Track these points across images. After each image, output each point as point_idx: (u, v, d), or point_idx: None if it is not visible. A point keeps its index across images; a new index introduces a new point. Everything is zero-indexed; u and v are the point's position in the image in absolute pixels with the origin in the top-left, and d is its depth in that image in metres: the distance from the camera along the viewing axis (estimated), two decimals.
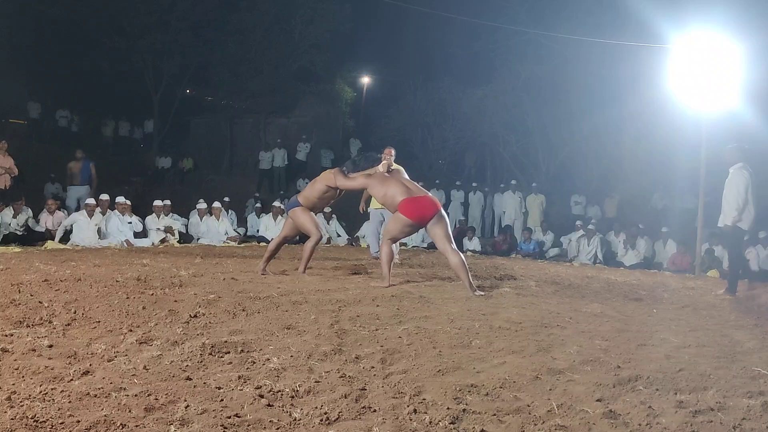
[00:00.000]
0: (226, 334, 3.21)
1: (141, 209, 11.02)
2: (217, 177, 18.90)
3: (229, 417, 2.06)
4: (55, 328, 3.18)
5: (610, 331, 3.82)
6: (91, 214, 9.35)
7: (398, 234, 5.49)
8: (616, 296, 5.79)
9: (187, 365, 2.64)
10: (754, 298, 6.39)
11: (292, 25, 19.51)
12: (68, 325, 3.29)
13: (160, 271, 5.64)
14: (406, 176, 5.81)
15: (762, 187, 6.76)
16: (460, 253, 5.36)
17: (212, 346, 2.91)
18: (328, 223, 12.25)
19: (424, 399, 2.33)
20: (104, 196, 9.93)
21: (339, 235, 12.44)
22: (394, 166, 7.62)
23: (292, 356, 2.85)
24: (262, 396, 2.28)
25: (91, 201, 9.68)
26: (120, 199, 10.01)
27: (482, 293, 5.12)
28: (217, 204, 11.28)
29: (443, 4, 17.00)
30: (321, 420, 2.08)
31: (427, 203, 5.34)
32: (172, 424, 1.99)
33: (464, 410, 2.22)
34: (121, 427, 1.94)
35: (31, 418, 1.95)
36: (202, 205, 11.29)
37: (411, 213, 5.28)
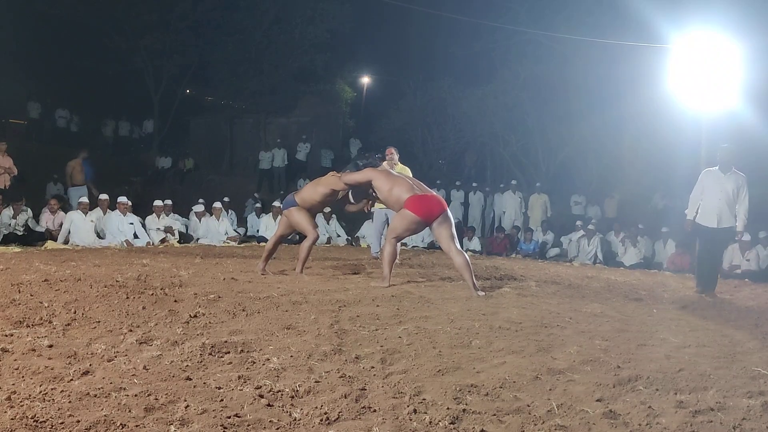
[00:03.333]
0: (226, 334, 3.21)
1: (141, 209, 11.00)
2: (217, 177, 18.87)
3: (229, 417, 2.06)
4: (55, 328, 3.18)
5: (610, 331, 3.81)
6: (85, 212, 9.33)
7: (403, 232, 5.46)
8: (616, 296, 5.79)
9: (187, 365, 2.64)
10: (750, 299, 6.39)
11: (292, 25, 19.49)
12: (68, 325, 3.29)
13: (160, 271, 5.64)
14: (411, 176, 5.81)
15: (761, 186, 6.76)
16: (464, 254, 5.37)
17: (212, 346, 2.91)
18: (328, 223, 12.24)
19: (424, 399, 2.33)
20: (104, 196, 9.92)
21: (339, 235, 12.42)
22: (400, 166, 7.65)
23: (292, 356, 2.85)
24: (262, 396, 2.28)
25: (84, 199, 9.67)
26: (122, 198, 10.00)
27: (484, 293, 5.13)
28: (217, 204, 11.25)
29: (443, 5, 17.02)
30: (321, 420, 2.08)
31: (434, 201, 5.35)
32: (172, 424, 1.99)
33: (464, 410, 2.22)
34: (121, 427, 1.94)
35: (31, 418, 1.95)
36: (198, 207, 11.22)
37: (418, 209, 5.25)
